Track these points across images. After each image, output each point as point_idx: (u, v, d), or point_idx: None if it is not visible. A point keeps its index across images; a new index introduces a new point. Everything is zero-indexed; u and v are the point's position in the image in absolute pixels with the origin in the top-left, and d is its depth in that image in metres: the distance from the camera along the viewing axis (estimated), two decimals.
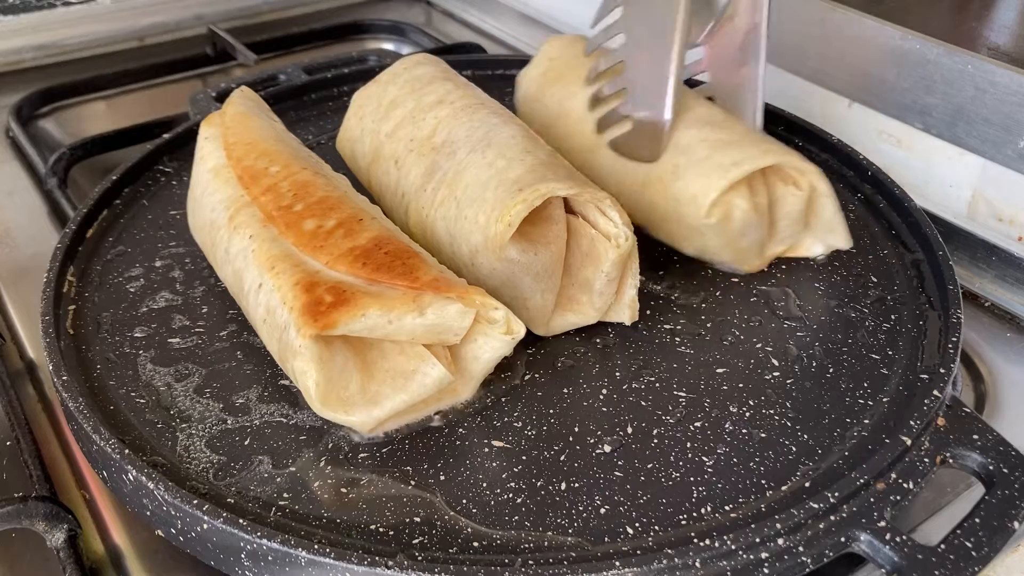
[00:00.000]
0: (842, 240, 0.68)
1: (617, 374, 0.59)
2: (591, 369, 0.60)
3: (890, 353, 0.60)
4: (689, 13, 0.63)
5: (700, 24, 0.71)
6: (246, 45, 1.06)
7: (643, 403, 0.57)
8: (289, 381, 0.57)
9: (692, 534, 0.48)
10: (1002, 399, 0.63)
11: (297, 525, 0.49)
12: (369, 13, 1.22)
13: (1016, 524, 0.48)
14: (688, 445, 0.54)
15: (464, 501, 0.51)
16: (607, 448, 0.54)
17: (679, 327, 0.63)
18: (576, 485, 0.52)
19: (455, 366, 0.55)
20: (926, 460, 0.51)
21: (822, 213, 0.67)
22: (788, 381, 0.58)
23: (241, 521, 0.46)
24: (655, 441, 0.54)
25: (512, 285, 0.58)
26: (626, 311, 0.62)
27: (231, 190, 0.61)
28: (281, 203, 0.58)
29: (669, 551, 0.46)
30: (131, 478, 0.49)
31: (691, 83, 0.74)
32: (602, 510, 0.50)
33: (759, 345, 0.61)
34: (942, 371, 0.56)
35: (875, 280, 0.66)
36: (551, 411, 0.56)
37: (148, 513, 0.50)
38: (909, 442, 0.51)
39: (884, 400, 0.57)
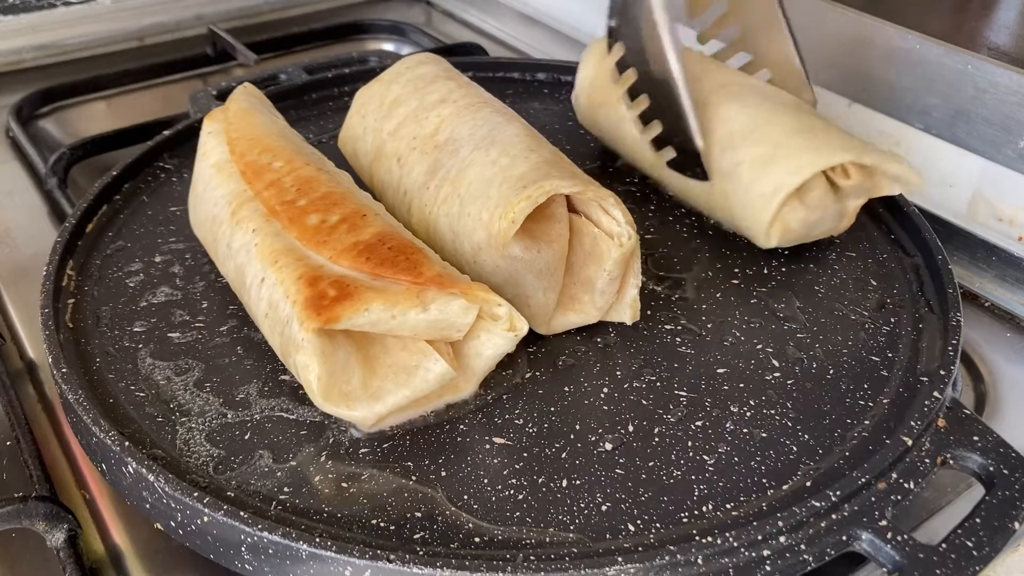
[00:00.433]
0: (900, 167, 0.66)
1: (618, 373, 0.59)
2: (592, 368, 0.60)
3: (890, 355, 0.60)
4: (679, 46, 0.64)
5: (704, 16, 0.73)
6: (246, 45, 1.06)
7: (644, 402, 0.57)
8: (290, 376, 0.57)
9: (694, 531, 0.48)
10: (1002, 399, 0.63)
11: (298, 519, 0.49)
12: (369, 13, 1.22)
13: (1016, 524, 0.48)
14: (689, 444, 0.54)
15: (465, 497, 0.51)
16: (608, 446, 0.54)
17: (680, 327, 0.63)
18: (577, 482, 0.52)
19: (457, 362, 0.55)
20: (927, 461, 0.51)
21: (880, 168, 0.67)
22: (789, 382, 0.58)
23: (242, 514, 0.46)
24: (656, 439, 0.54)
25: (514, 283, 0.58)
26: (627, 310, 0.62)
27: (234, 185, 0.61)
28: (284, 198, 0.58)
29: (671, 547, 0.45)
30: (131, 471, 0.49)
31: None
32: (603, 507, 0.50)
33: (760, 346, 0.61)
34: (942, 373, 0.56)
35: (874, 283, 0.67)
36: (552, 409, 0.56)
37: (148, 506, 0.49)
38: (910, 442, 0.51)
39: (884, 401, 0.57)
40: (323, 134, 0.84)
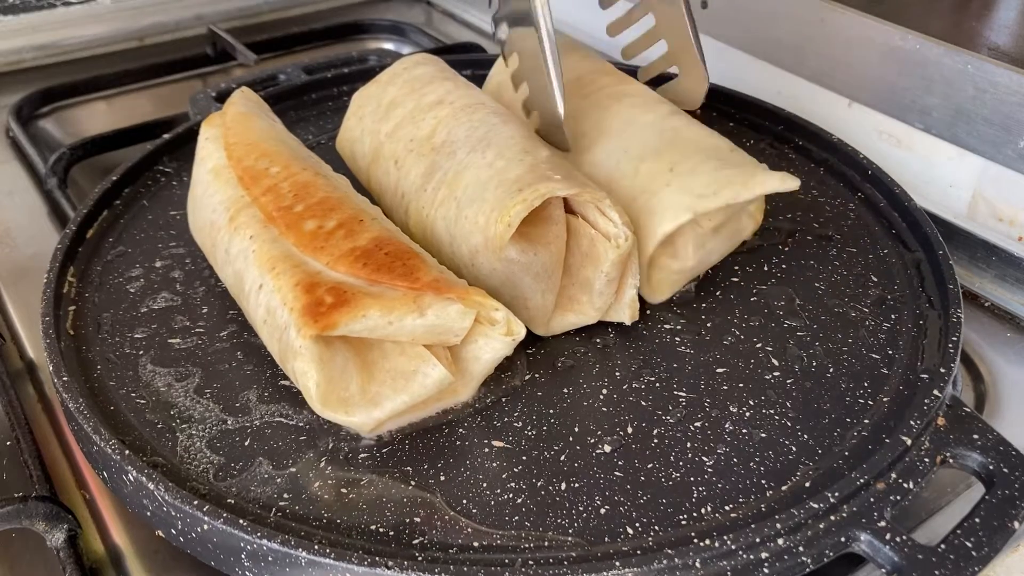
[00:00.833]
0: (765, 185, 0.62)
1: (617, 374, 0.59)
2: (591, 369, 0.60)
3: (890, 353, 0.60)
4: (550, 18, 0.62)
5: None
6: (246, 45, 1.06)
7: (643, 403, 0.57)
8: (289, 381, 0.57)
9: (692, 534, 0.48)
10: (1002, 399, 0.63)
11: (297, 526, 0.49)
12: (369, 13, 1.22)
13: (1016, 524, 0.48)
14: (688, 445, 0.54)
15: (464, 501, 0.51)
16: (607, 448, 0.54)
17: (679, 327, 0.63)
18: (576, 485, 0.52)
19: (455, 367, 0.55)
20: (926, 460, 0.51)
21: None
22: (788, 381, 0.58)
23: (241, 522, 0.46)
24: (655, 441, 0.54)
25: (512, 285, 0.58)
26: (626, 311, 0.62)
27: (231, 191, 0.61)
28: (282, 204, 0.58)
29: (669, 551, 0.46)
30: (131, 479, 0.49)
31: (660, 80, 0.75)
32: (602, 510, 0.50)
33: (759, 345, 0.61)
34: (942, 371, 0.56)
35: (875, 280, 0.66)
36: (551, 411, 0.56)
37: (148, 514, 0.50)
38: (909, 442, 0.51)
39: (884, 400, 0.57)
40: (322, 134, 0.84)
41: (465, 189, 0.59)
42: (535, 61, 0.63)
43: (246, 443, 0.54)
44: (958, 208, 0.77)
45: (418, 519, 0.50)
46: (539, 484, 0.52)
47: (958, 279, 0.63)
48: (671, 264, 0.63)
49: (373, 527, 0.49)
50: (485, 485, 0.52)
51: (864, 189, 0.75)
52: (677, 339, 0.62)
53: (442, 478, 0.52)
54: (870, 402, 0.57)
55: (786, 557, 0.46)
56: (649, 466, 0.53)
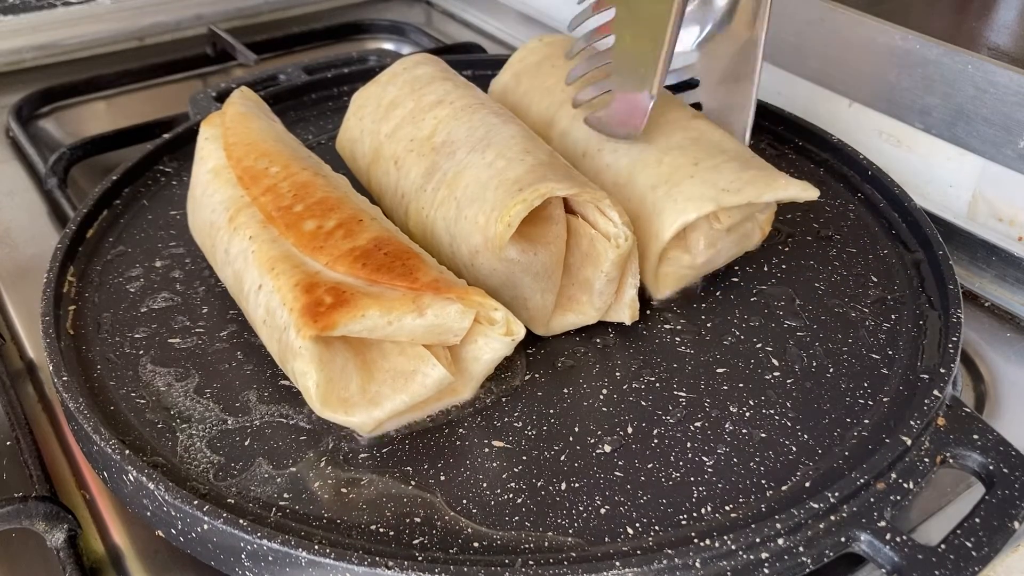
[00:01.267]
0: (787, 192, 0.62)
1: (617, 374, 0.59)
2: (591, 369, 0.60)
3: (890, 353, 0.60)
4: None
5: (696, 27, 0.71)
6: (246, 45, 1.06)
7: (643, 403, 0.57)
8: (289, 381, 0.57)
9: (692, 534, 0.48)
10: (1002, 399, 0.63)
11: (297, 525, 0.49)
12: (369, 13, 1.22)
13: (1016, 524, 0.48)
14: (688, 445, 0.54)
15: (464, 501, 0.51)
16: (607, 448, 0.54)
17: (679, 327, 0.63)
18: (576, 485, 0.52)
19: (455, 367, 0.55)
20: (926, 460, 0.51)
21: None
22: (788, 381, 0.58)
23: (241, 521, 0.46)
24: (655, 441, 0.54)
25: (512, 285, 0.58)
26: (626, 311, 0.62)
27: (231, 191, 0.61)
28: (281, 204, 0.58)
29: (669, 551, 0.46)
30: (131, 479, 0.49)
31: (682, 87, 0.74)
32: (602, 510, 0.50)
33: (759, 345, 0.61)
34: (942, 371, 0.56)
35: (875, 280, 0.66)
36: (551, 411, 0.56)
37: (148, 514, 0.50)
38: (909, 442, 0.51)
39: (884, 400, 0.57)
40: (322, 134, 0.84)
41: (465, 189, 0.59)
42: (637, 41, 0.63)
43: (246, 443, 0.54)
44: (958, 208, 0.77)
45: (418, 519, 0.50)
46: (539, 484, 0.52)
47: (958, 279, 0.63)
48: (682, 258, 0.63)
49: (373, 527, 0.49)
50: (485, 485, 0.52)
51: (864, 189, 0.75)
52: (677, 339, 0.62)
53: (442, 478, 0.52)
54: (870, 402, 0.57)
55: (786, 557, 0.46)
56: (649, 466, 0.53)
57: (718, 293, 0.66)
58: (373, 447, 0.54)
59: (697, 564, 0.45)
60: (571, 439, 0.55)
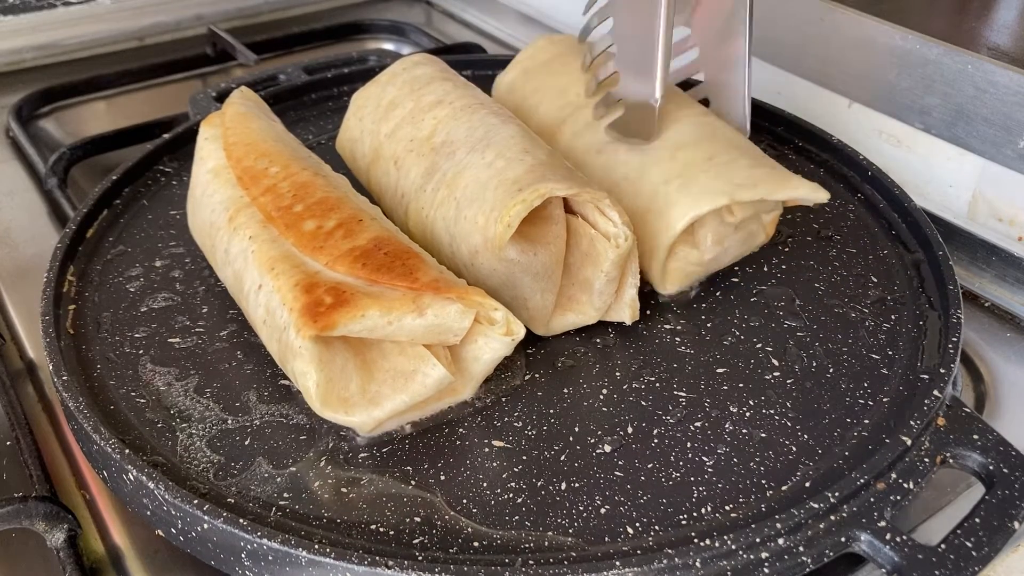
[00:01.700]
0: (796, 192, 0.63)
1: (617, 374, 0.59)
2: (591, 369, 0.60)
3: (890, 353, 0.60)
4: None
5: (685, 2, 0.71)
6: (246, 45, 1.06)
7: (643, 403, 0.57)
8: (289, 381, 0.57)
9: (692, 534, 0.48)
10: (1002, 399, 0.63)
11: (297, 525, 0.49)
12: (369, 13, 1.22)
13: (1016, 524, 0.48)
14: (688, 445, 0.54)
15: (464, 501, 0.51)
16: (607, 448, 0.54)
17: (679, 327, 0.63)
18: (576, 485, 0.52)
19: (455, 367, 0.55)
20: (926, 460, 0.51)
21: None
22: (788, 381, 0.58)
23: (241, 521, 0.46)
24: (655, 441, 0.54)
25: (512, 285, 0.58)
26: (626, 310, 0.62)
27: (231, 191, 0.61)
28: (281, 204, 0.58)
29: (669, 551, 0.46)
30: (131, 478, 0.49)
31: (687, 84, 0.74)
32: (602, 510, 0.50)
33: (759, 345, 0.61)
34: (942, 371, 0.56)
35: (875, 280, 0.66)
36: (551, 411, 0.56)
37: (148, 513, 0.50)
38: (909, 442, 0.51)
39: (884, 400, 0.57)
40: (322, 134, 0.84)
41: (465, 189, 0.59)
42: (635, 48, 0.64)
43: (246, 442, 0.54)
44: (958, 208, 0.77)
45: (418, 519, 0.50)
46: (539, 484, 0.52)
47: (958, 279, 0.63)
48: (690, 254, 0.64)
49: (373, 526, 0.49)
50: (485, 485, 0.52)
51: (864, 190, 0.75)
52: (677, 339, 0.62)
53: (442, 478, 0.52)
54: (870, 402, 0.57)
55: (786, 557, 0.46)
56: (649, 466, 0.53)
57: (718, 293, 0.66)
58: (373, 447, 0.54)
59: (697, 564, 0.45)
60: (571, 439, 0.55)
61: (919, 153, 0.78)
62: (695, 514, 0.50)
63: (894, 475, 0.50)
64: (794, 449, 0.54)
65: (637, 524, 0.49)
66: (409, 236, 0.61)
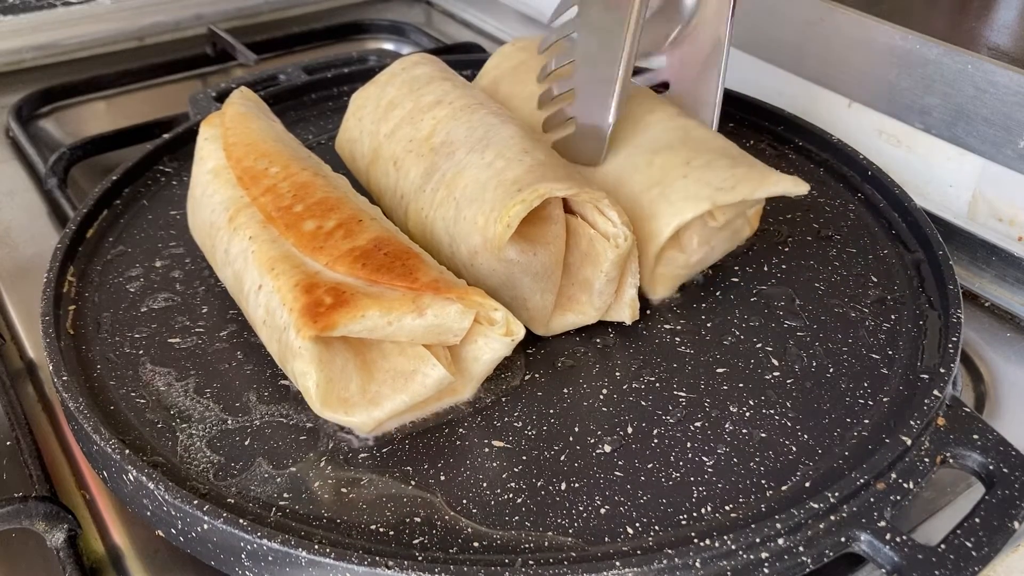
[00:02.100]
0: (776, 187, 0.62)
1: (617, 374, 0.59)
2: (591, 369, 0.60)
3: (890, 353, 0.60)
4: (642, 18, 0.61)
5: (664, 31, 0.71)
6: (246, 45, 1.06)
7: (643, 403, 0.57)
8: (289, 381, 0.57)
9: (692, 534, 0.48)
10: (1002, 399, 0.63)
11: (297, 525, 0.49)
12: (369, 13, 1.22)
13: (1016, 524, 0.48)
14: (688, 445, 0.54)
15: (464, 501, 0.51)
16: (607, 448, 0.54)
17: (679, 327, 0.63)
18: (576, 485, 0.52)
19: (455, 367, 0.55)
20: (926, 460, 0.51)
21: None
22: (788, 381, 0.58)
23: (241, 521, 0.46)
24: (655, 441, 0.54)
25: (511, 285, 0.58)
26: (626, 310, 0.62)
27: (231, 191, 0.61)
28: (281, 204, 0.58)
29: (669, 551, 0.46)
30: (131, 478, 0.49)
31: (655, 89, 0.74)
32: (602, 510, 0.50)
33: (759, 345, 0.61)
34: (942, 371, 0.56)
35: (875, 280, 0.66)
36: (551, 411, 0.56)
37: (148, 513, 0.50)
38: (909, 442, 0.51)
39: (884, 400, 0.57)
40: (322, 135, 0.84)
41: (464, 189, 0.59)
42: (594, 68, 0.63)
43: (246, 443, 0.54)
44: (958, 208, 0.77)
45: (418, 519, 0.50)
46: (539, 484, 0.52)
47: (958, 279, 0.63)
48: (677, 258, 0.63)
49: (373, 527, 0.49)
50: (485, 485, 0.52)
51: (864, 189, 0.75)
52: (677, 339, 0.62)
53: (442, 478, 0.52)
54: (870, 402, 0.57)
55: (786, 557, 0.46)
56: (649, 466, 0.53)
57: (718, 293, 0.66)
58: (373, 447, 0.54)
59: (697, 564, 0.45)
60: (571, 439, 0.55)
61: (919, 153, 0.78)
62: (695, 514, 0.50)
63: (894, 475, 0.50)
64: (794, 449, 0.54)
65: (637, 524, 0.49)
66: (409, 237, 0.60)
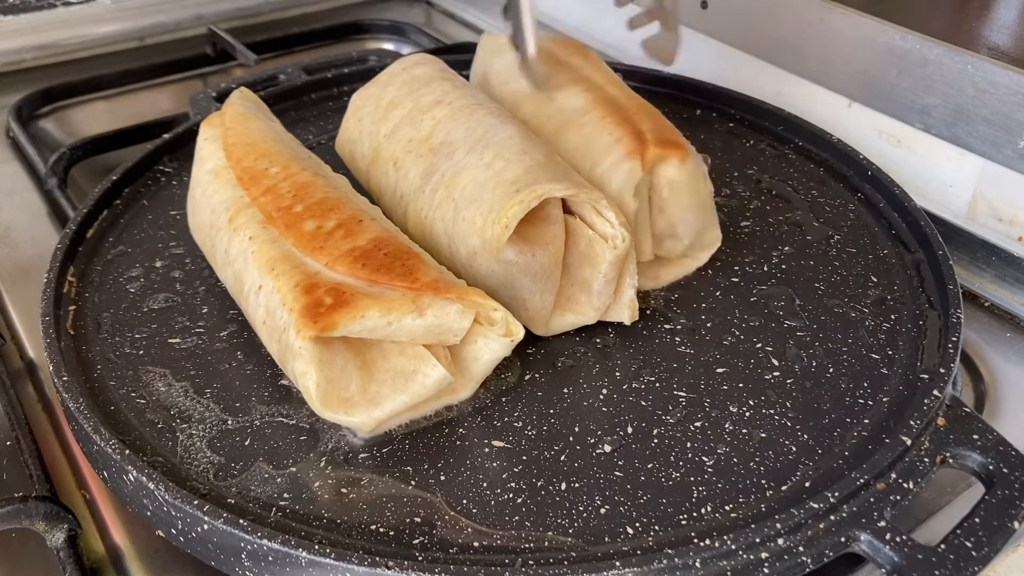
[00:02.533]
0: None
1: (617, 374, 0.59)
2: (591, 369, 0.60)
3: (890, 353, 0.60)
4: None
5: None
6: (246, 45, 1.06)
7: (643, 403, 0.57)
8: (289, 381, 0.57)
9: (692, 534, 0.48)
10: (1002, 399, 0.63)
11: (297, 525, 0.49)
12: (369, 13, 1.22)
13: (1016, 524, 0.48)
14: (688, 445, 0.54)
15: (464, 501, 0.51)
16: (607, 448, 0.54)
17: (679, 327, 0.63)
18: (576, 485, 0.52)
19: (455, 367, 0.55)
20: (926, 460, 0.51)
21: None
22: (788, 381, 0.58)
23: (241, 521, 0.46)
24: (655, 441, 0.54)
25: (511, 286, 0.58)
26: (625, 311, 0.62)
27: (231, 191, 0.61)
28: (281, 204, 0.58)
29: (669, 551, 0.46)
30: (132, 479, 0.49)
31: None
32: (602, 510, 0.50)
33: (759, 345, 0.61)
34: (942, 371, 0.56)
35: (875, 280, 0.66)
36: (551, 411, 0.56)
37: (148, 513, 0.50)
38: (909, 442, 0.51)
39: (884, 400, 0.57)
40: (322, 135, 0.84)
41: (463, 190, 0.59)
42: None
43: (246, 443, 0.54)
44: (958, 208, 0.77)
45: (418, 519, 0.50)
46: (539, 484, 0.52)
47: (958, 279, 0.63)
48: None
49: (373, 527, 0.49)
50: (485, 485, 0.52)
51: (864, 189, 0.75)
52: (677, 339, 0.62)
53: (442, 478, 0.52)
54: (870, 402, 0.57)
55: (786, 557, 0.46)
56: (649, 466, 0.53)
57: (718, 293, 0.66)
58: (373, 447, 0.54)
59: (697, 564, 0.45)
60: (571, 439, 0.55)
61: (919, 153, 0.78)
62: (695, 514, 0.50)
63: (894, 475, 0.50)
64: (794, 449, 0.54)
65: (637, 524, 0.49)
66: (408, 237, 0.60)
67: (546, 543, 0.48)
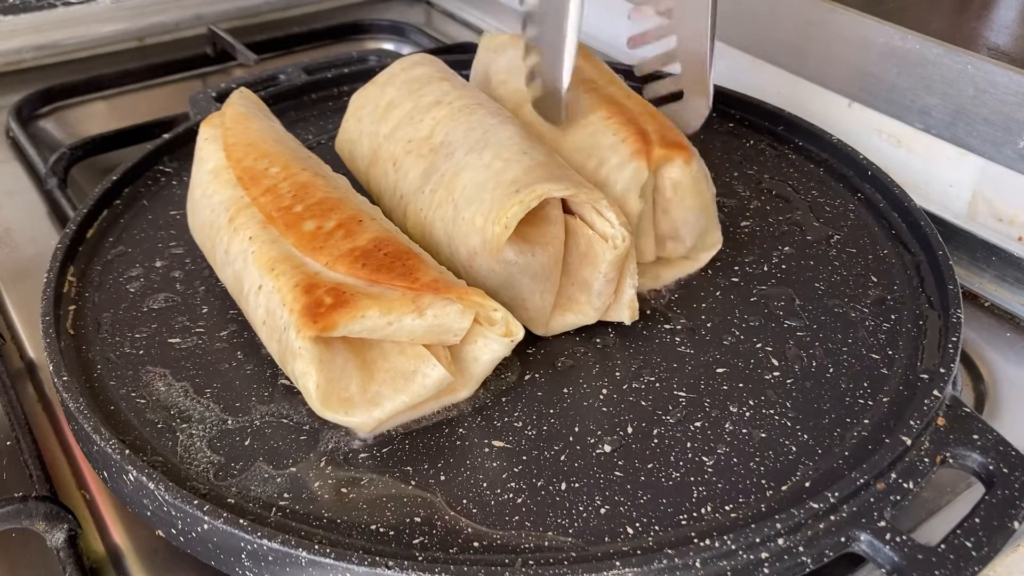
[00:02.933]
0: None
1: (617, 374, 0.59)
2: (591, 369, 0.60)
3: (890, 353, 0.60)
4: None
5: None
6: (246, 45, 1.06)
7: (643, 403, 0.57)
8: (289, 381, 0.57)
9: (692, 534, 0.48)
10: (1002, 399, 0.63)
11: (297, 525, 0.49)
12: (369, 13, 1.22)
13: (1016, 524, 0.48)
14: (688, 445, 0.54)
15: (464, 501, 0.51)
16: (607, 448, 0.54)
17: (679, 327, 0.63)
18: (576, 485, 0.52)
19: (455, 367, 0.55)
20: (926, 460, 0.51)
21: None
22: (788, 381, 0.58)
23: (241, 521, 0.46)
24: (655, 441, 0.54)
25: (511, 286, 0.58)
26: (626, 311, 0.62)
27: (231, 191, 0.61)
28: (281, 204, 0.58)
29: (669, 551, 0.46)
30: (132, 479, 0.49)
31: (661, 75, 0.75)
32: (602, 510, 0.50)
33: (759, 345, 0.61)
34: (942, 371, 0.56)
35: (875, 280, 0.66)
36: (551, 411, 0.56)
37: (149, 513, 0.50)
38: (909, 442, 0.51)
39: (884, 400, 0.57)
40: (322, 135, 0.84)
41: (463, 190, 0.59)
42: (555, 30, 0.63)
43: (246, 443, 0.54)
44: (958, 208, 0.77)
45: (418, 519, 0.50)
46: (539, 484, 0.52)
47: (958, 279, 0.63)
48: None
49: (373, 527, 0.49)
50: (485, 485, 0.52)
51: (864, 189, 0.75)
52: (677, 339, 0.62)
53: (442, 478, 0.52)
54: (870, 402, 0.57)
55: (786, 557, 0.46)
56: (649, 466, 0.53)
57: (718, 293, 0.66)
58: (373, 447, 0.54)
59: (697, 564, 0.45)
60: (571, 439, 0.55)
61: (919, 153, 0.78)
62: (695, 514, 0.50)
63: (894, 475, 0.50)
64: (794, 449, 0.54)
65: (637, 524, 0.49)
66: (408, 237, 0.60)
67: (546, 543, 0.48)
